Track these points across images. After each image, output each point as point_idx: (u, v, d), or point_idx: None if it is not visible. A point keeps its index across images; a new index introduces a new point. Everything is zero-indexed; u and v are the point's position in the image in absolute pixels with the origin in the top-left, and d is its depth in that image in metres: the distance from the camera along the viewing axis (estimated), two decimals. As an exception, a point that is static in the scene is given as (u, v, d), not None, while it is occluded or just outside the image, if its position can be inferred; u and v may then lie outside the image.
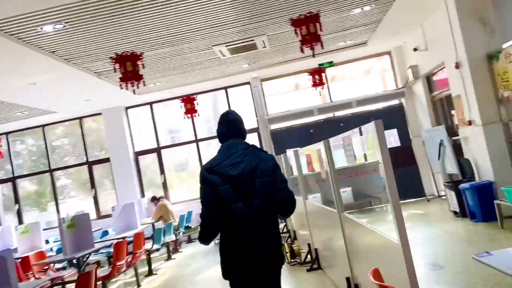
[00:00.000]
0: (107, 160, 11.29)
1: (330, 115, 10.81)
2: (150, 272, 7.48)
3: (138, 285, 6.79)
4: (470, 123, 6.92)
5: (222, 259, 2.69)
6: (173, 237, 8.55)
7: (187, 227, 9.87)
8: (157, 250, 7.91)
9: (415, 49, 8.89)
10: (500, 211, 5.90)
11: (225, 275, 2.68)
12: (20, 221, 11.34)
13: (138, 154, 11.47)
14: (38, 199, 12.23)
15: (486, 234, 5.88)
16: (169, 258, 8.60)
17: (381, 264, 2.91)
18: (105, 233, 9.09)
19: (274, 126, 10.98)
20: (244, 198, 2.61)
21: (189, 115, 9.76)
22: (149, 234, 8.61)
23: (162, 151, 11.56)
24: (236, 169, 2.65)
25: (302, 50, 5.95)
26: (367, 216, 8.67)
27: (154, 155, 11.56)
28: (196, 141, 11.29)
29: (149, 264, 7.50)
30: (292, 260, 6.18)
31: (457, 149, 7.82)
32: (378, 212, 9.65)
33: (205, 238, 2.67)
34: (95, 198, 11.36)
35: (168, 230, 8.32)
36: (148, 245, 7.72)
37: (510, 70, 6.04)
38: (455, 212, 7.35)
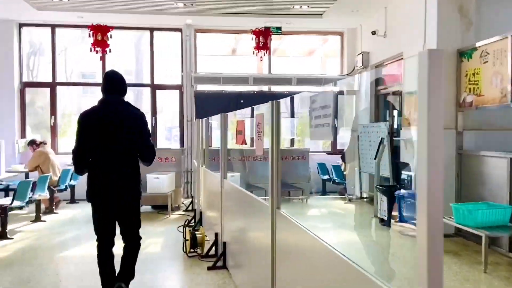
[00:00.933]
0: (-18, 84, 8.89)
1: (266, 88, 9.59)
2: (2, 235, 5.68)
3: (-23, 252, 5.01)
4: (420, 124, 6.12)
5: (88, 187, 3.28)
6: (45, 195, 6.73)
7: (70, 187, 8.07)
8: (20, 208, 6.10)
9: (373, 32, 7.93)
10: (438, 229, 5.14)
11: (89, 198, 3.29)
12: None
13: (26, 85, 9.22)
14: None
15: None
16: (37, 219, 6.80)
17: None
18: None
19: (201, 88, 9.48)
20: (111, 142, 3.21)
21: (99, 49, 7.82)
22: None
23: (59, 88, 9.43)
24: (108, 118, 3.22)
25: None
26: (282, 207, 7.70)
27: (48, 91, 9.39)
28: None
29: (3, 224, 5.68)
30: (192, 250, 4.87)
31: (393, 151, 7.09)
32: (295, 204, 8.72)
33: (77, 170, 3.32)
34: (-42, 129, 8.92)
35: (40, 184, 6.50)
36: (6, 200, 5.88)
37: (482, 72, 5.25)
38: (381, 220, 6.58)
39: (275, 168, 2.83)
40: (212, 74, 9.31)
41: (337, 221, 7.18)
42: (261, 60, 7.85)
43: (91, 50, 7.68)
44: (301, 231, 2.40)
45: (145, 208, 7.31)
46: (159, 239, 5.76)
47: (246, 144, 3.78)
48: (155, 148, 3.55)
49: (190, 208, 7.69)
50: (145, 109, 9.28)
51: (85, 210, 7.87)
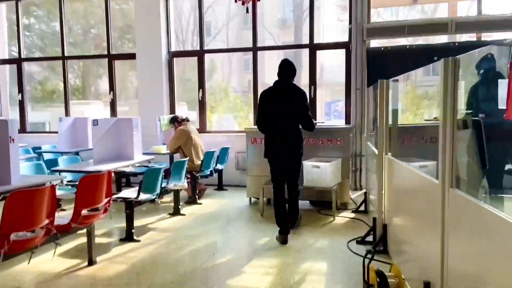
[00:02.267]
0: (132, 56, 8.27)
1: (472, 37, 6.68)
2: (128, 237, 4.53)
3: (91, 260, 3.86)
4: None
5: (265, 146, 4.50)
6: (183, 184, 5.45)
7: (216, 171, 6.77)
8: (152, 201, 4.90)
9: None
10: None
11: (265, 155, 4.51)
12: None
13: (174, 55, 8.27)
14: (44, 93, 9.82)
15: None
16: (175, 213, 5.61)
17: None
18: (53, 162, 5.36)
19: (374, 43, 7.11)
20: (282, 114, 4.37)
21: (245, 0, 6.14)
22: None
23: (207, 56, 8.24)
24: (280, 96, 4.40)
25: None
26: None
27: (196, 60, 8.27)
28: (254, 49, 7.77)
29: (128, 223, 4.52)
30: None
31: None
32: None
33: (261, 131, 4.56)
34: (112, 104, 8.56)
35: (176, 171, 5.23)
36: (128, 192, 4.73)
37: None
38: None
39: None
40: (392, 23, 6.84)
41: None
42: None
43: (236, 1, 6.06)
44: None
45: (303, 203, 5.51)
46: (322, 263, 3.83)
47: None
48: (315, 122, 4.87)
49: (362, 208, 5.58)
50: (304, 75, 7.44)
51: (234, 199, 6.51)
